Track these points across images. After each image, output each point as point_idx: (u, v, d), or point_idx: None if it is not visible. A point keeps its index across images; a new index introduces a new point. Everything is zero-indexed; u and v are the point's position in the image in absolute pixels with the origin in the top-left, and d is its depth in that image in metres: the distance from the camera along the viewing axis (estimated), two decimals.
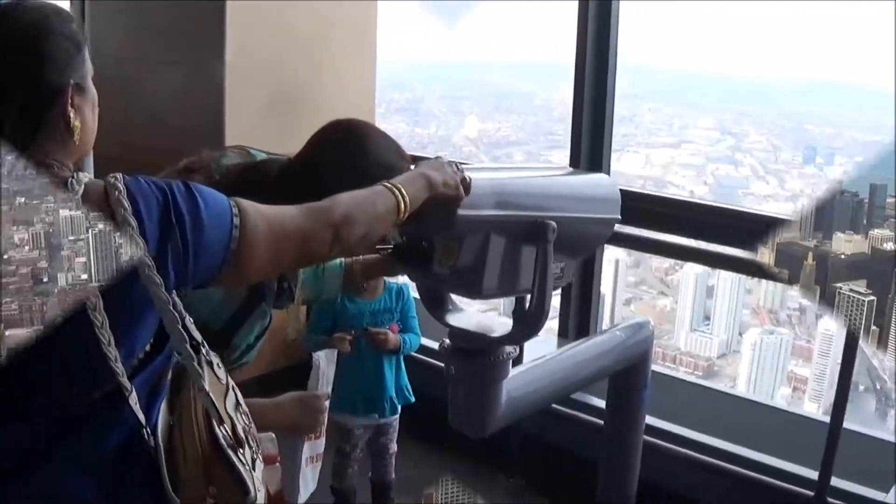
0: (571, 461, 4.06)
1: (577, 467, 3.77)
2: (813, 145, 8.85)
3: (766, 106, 9.37)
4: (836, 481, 3.50)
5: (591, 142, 4.40)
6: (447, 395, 2.55)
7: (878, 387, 7.71)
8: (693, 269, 8.66)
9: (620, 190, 2.60)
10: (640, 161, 9.00)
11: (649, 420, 3.34)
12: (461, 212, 2.05)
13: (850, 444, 3.63)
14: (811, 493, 3.52)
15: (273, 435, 2.22)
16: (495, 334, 2.38)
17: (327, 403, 2.46)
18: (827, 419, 3.58)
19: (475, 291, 2.23)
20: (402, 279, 3.74)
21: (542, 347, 2.80)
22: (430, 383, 3.87)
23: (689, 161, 9.07)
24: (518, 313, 2.34)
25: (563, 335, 4.60)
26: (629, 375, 3.04)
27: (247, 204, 1.61)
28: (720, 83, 9.57)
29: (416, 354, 3.96)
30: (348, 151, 2.07)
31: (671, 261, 9.12)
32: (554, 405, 4.07)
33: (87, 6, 5.30)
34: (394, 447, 3.87)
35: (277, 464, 2.09)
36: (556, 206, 2.34)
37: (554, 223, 2.24)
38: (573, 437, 4.17)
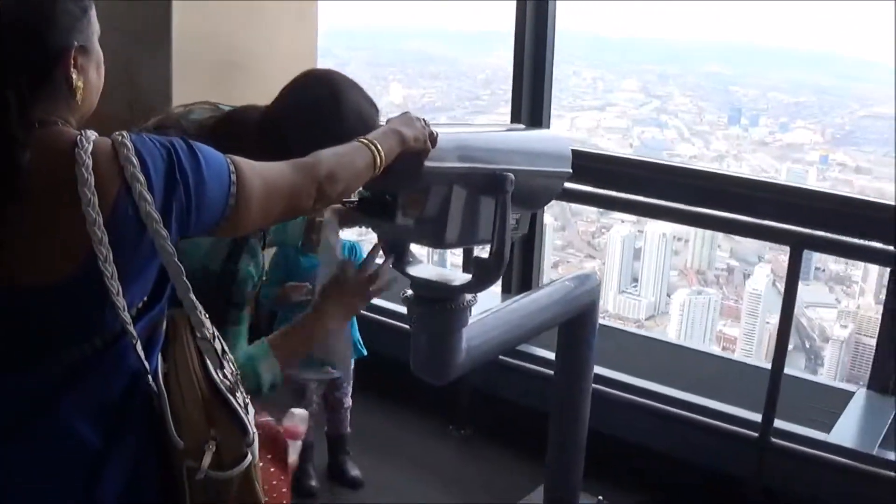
0: (521, 412, 4.17)
1: (527, 418, 3.89)
2: (738, 107, 8.94)
3: (686, 67, 9.44)
4: (779, 423, 3.64)
5: (531, 106, 4.51)
6: (399, 351, 2.66)
7: (808, 345, 7.91)
8: (619, 232, 8.79)
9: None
10: (566, 125, 9.10)
11: (597, 369, 3.43)
12: (427, 164, 2.14)
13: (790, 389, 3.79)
14: (755, 435, 3.65)
15: (306, 413, 2.34)
16: (454, 283, 2.48)
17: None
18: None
19: (439, 241, 2.34)
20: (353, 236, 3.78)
21: (487, 302, 2.89)
22: (382, 341, 3.97)
23: (615, 124, 9.29)
24: (477, 262, 2.44)
25: (507, 290, 4.71)
26: (578, 325, 3.16)
27: (242, 162, 1.68)
28: (640, 45, 9.62)
29: (367, 313, 4.02)
30: (322, 102, 2.12)
31: (598, 224, 9.27)
32: (503, 357, 4.15)
33: None
34: (348, 401, 3.92)
35: (300, 441, 2.18)
36: (513, 160, 2.46)
37: (512, 175, 2.34)
38: (523, 388, 4.26)
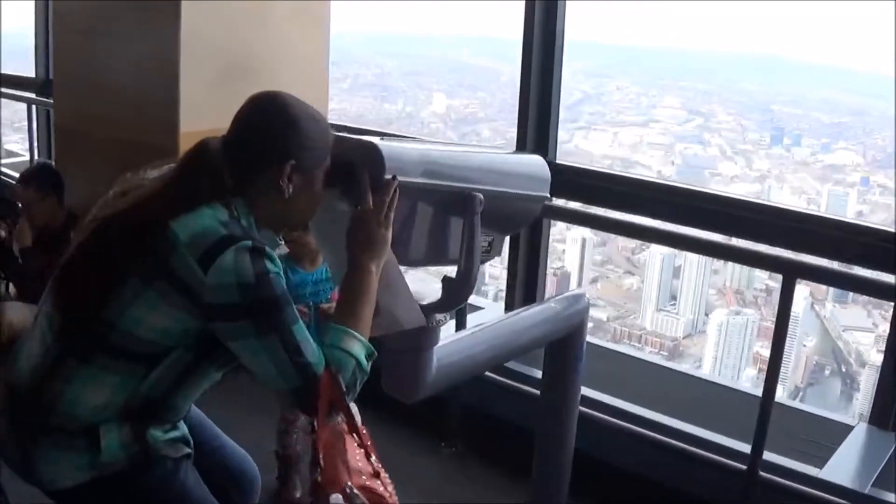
0: (510, 430, 4.10)
1: (515, 437, 3.80)
2: (781, 126, 8.83)
3: (727, 84, 9.34)
4: (768, 455, 3.55)
5: (537, 118, 4.47)
6: None
7: (844, 370, 7.77)
8: (660, 249, 8.69)
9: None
10: (608, 139, 9.06)
11: (585, 391, 3.38)
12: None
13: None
14: (744, 467, 3.57)
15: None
16: (424, 302, 2.43)
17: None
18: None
19: (402, 259, 2.29)
20: None
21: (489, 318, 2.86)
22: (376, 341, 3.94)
23: (658, 140, 9.10)
24: (445, 282, 2.40)
25: (510, 308, 4.65)
26: (564, 346, 3.09)
27: None
28: (680, 59, 9.54)
29: None
30: (274, 112, 2.13)
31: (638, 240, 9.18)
32: (493, 375, 4.15)
33: None
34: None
35: None
36: (483, 180, 2.41)
37: (481, 195, 2.30)
38: (512, 406, 4.22)
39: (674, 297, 8.74)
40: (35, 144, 7.38)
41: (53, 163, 5.48)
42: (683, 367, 6.69)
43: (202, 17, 4.27)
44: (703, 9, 9.07)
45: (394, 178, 2.15)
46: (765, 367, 7.87)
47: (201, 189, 2.05)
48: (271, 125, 2.12)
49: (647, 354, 6.63)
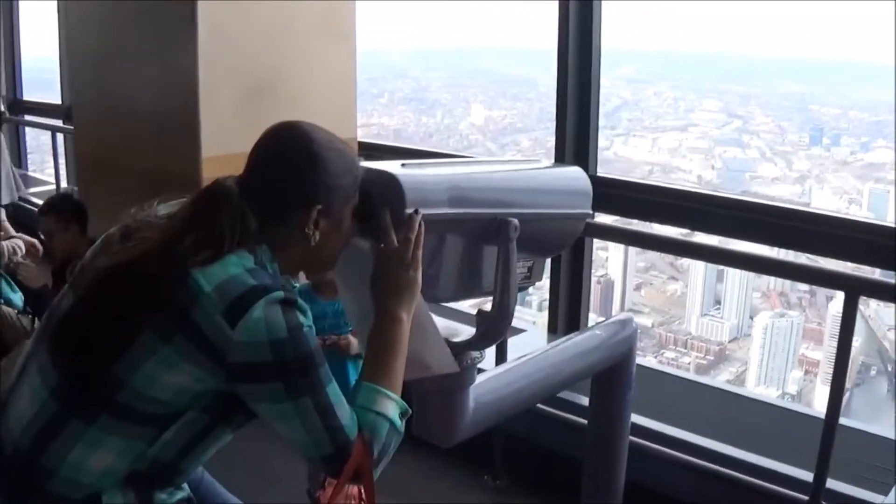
0: (557, 461, 3.95)
1: (563, 468, 3.66)
2: (819, 126, 8.81)
3: (765, 85, 9.33)
4: (832, 483, 3.34)
5: (576, 128, 4.32)
6: None
7: (889, 369, 7.63)
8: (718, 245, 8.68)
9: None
10: (648, 145, 9.03)
11: (636, 419, 3.19)
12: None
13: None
14: (805, 498, 3.36)
15: None
16: (458, 339, 2.24)
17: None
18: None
19: (430, 296, 2.09)
20: None
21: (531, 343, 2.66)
22: (407, 384, 3.78)
23: (697, 144, 9.06)
24: (480, 316, 2.21)
25: (553, 331, 4.52)
26: (612, 376, 2.91)
27: None
28: (718, 63, 9.59)
29: None
30: (294, 148, 1.93)
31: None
32: (540, 405, 3.93)
33: (64, 6, 5.18)
34: None
35: None
36: (518, 202, 2.23)
37: (516, 220, 2.11)
38: (559, 436, 4.06)
39: (718, 302, 8.66)
40: (63, 172, 7.31)
41: (76, 191, 5.34)
42: (726, 384, 6.57)
43: (221, 37, 4.14)
44: (741, 12, 9.01)
45: (416, 211, 1.95)
46: (811, 368, 7.80)
47: (224, 235, 1.84)
48: (294, 166, 1.92)
49: (690, 374, 6.43)
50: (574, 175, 2.56)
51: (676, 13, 9.07)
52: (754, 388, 7.66)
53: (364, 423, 1.88)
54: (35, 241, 4.80)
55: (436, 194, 2.01)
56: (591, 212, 2.44)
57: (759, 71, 9.27)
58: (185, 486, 2.06)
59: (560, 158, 4.40)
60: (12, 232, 4.97)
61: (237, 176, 1.96)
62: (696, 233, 4.33)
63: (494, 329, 2.19)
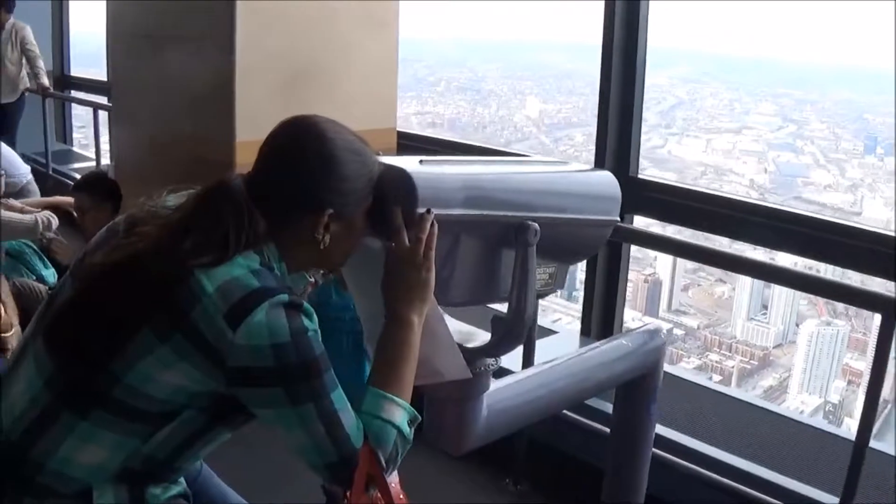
0: (581, 468, 3.87)
1: (584, 475, 3.57)
2: (874, 135, 8.75)
3: (821, 92, 9.29)
4: None
5: (618, 127, 4.23)
6: None
7: None
8: (752, 256, 8.63)
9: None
10: (702, 145, 9.10)
11: (661, 430, 3.10)
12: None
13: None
14: None
15: None
16: (471, 345, 2.16)
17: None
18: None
19: (444, 300, 2.01)
20: None
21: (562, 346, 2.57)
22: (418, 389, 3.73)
23: (750, 147, 9.12)
24: (495, 322, 2.12)
25: (586, 334, 4.46)
26: (637, 387, 2.80)
27: None
28: (773, 68, 9.55)
29: None
30: (306, 144, 1.86)
31: (731, 247, 9.10)
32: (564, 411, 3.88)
33: None
34: None
35: None
36: (539, 205, 2.13)
37: (536, 224, 2.01)
38: (581, 442, 4.00)
39: (765, 307, 8.69)
40: (106, 149, 7.32)
41: (112, 168, 5.31)
42: (756, 398, 6.45)
43: (261, 22, 4.12)
44: (795, 18, 8.94)
45: (428, 211, 1.87)
46: (854, 378, 7.72)
47: (230, 238, 1.78)
48: (305, 167, 1.85)
49: (719, 385, 6.34)
50: (602, 179, 2.45)
51: (734, 16, 9.04)
52: (796, 395, 7.62)
53: (370, 431, 1.81)
54: (70, 200, 4.75)
55: (450, 193, 1.92)
56: (617, 219, 2.34)
57: (812, 77, 9.24)
58: (181, 480, 2.01)
59: (601, 157, 4.32)
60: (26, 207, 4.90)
61: (244, 174, 1.89)
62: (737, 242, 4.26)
63: (510, 335, 2.09)
